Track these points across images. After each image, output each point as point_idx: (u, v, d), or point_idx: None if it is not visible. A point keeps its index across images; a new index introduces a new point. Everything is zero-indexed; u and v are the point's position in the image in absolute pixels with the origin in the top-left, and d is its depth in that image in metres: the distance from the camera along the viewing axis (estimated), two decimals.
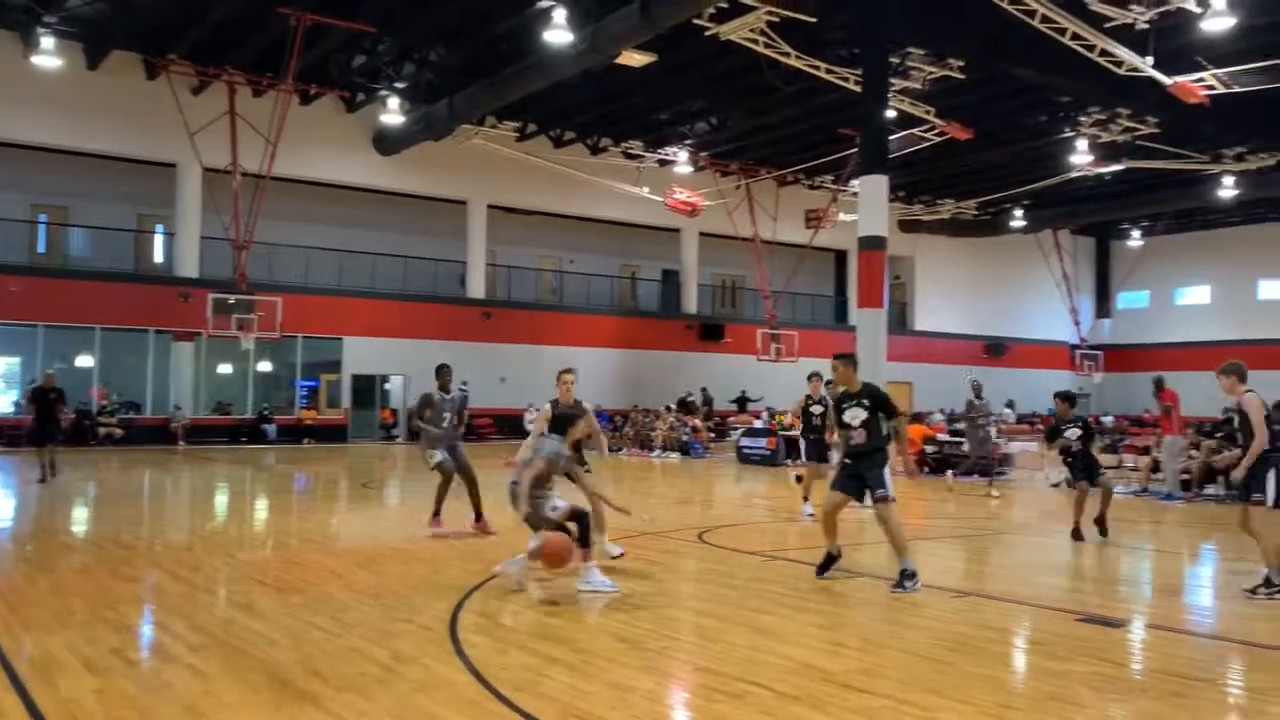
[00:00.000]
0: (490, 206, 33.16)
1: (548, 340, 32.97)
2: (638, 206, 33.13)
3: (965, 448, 18.05)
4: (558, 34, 20.66)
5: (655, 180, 32.48)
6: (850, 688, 5.21)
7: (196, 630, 6.27)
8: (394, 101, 27.57)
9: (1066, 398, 11.49)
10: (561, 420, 8.03)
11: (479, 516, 10.56)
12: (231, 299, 25.85)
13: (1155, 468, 16.71)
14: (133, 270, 28.48)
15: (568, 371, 8.77)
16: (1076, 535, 10.76)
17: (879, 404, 8.10)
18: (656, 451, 26.38)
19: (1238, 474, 8.01)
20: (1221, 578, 9.38)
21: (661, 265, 38.63)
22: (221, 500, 15.31)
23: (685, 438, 26.78)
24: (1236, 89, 22.26)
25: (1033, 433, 28.21)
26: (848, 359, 8.33)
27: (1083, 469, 11.10)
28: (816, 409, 12.87)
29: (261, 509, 14.36)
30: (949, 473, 17.64)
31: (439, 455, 10.49)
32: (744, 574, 8.59)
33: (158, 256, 30.07)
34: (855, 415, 8.07)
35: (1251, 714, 5.03)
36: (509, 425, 31.29)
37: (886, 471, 7.99)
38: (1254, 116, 26.40)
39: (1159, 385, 16.21)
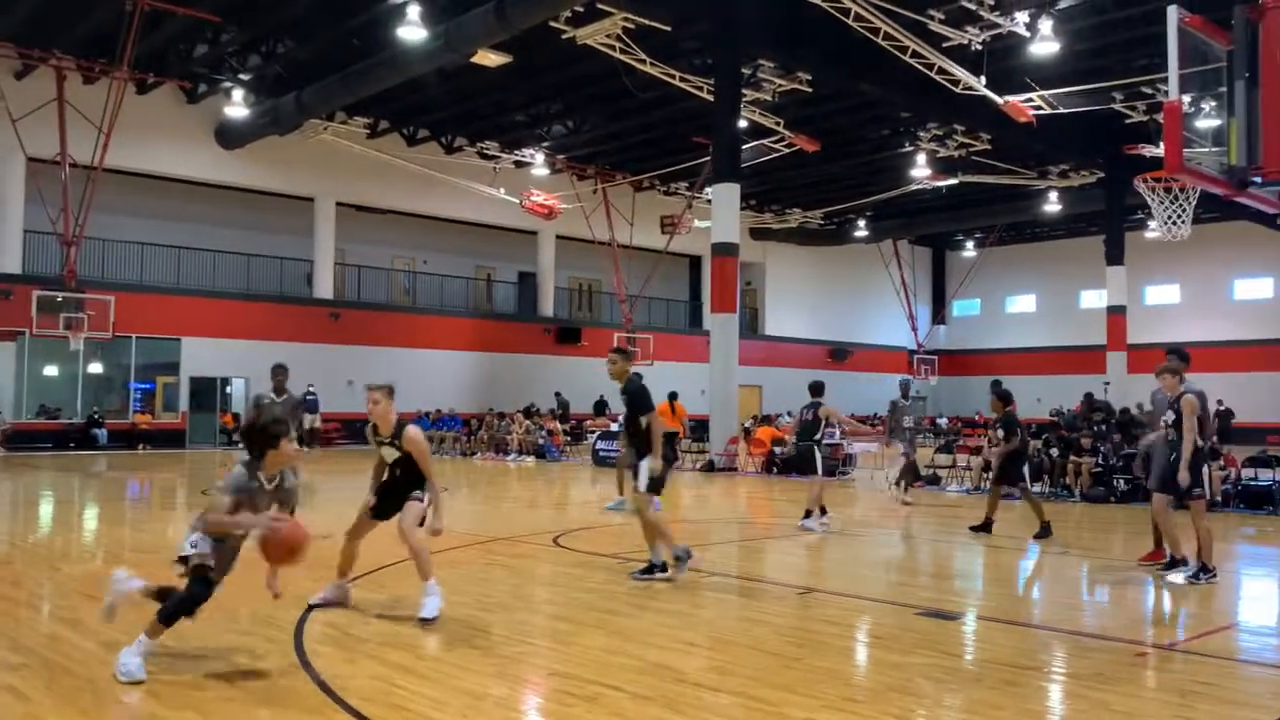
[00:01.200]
0: (339, 204, 32.28)
1: (399, 343, 32.33)
2: (494, 208, 32.86)
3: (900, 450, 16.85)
4: (412, 30, 20.32)
5: (512, 182, 32.29)
6: (702, 686, 5.30)
7: (17, 649, 5.89)
8: (238, 94, 26.56)
9: (999, 395, 11.79)
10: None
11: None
12: (59, 297, 24.41)
13: (987, 467, 17.58)
14: None
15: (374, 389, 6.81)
16: (985, 528, 11.41)
17: (633, 400, 8.18)
18: (512, 455, 26.21)
19: (1183, 475, 8.37)
20: (1049, 571, 9.94)
21: (518, 267, 38.42)
22: (46, 510, 14.40)
23: (541, 441, 26.69)
24: (1061, 110, 23.71)
25: (875, 434, 29.23)
26: (623, 353, 8.50)
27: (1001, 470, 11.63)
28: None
29: (91, 519, 13.57)
30: (895, 490, 16.24)
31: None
32: (598, 577, 8.62)
33: None
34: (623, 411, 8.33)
35: (1075, 698, 5.35)
36: (358, 431, 30.56)
37: (644, 464, 8.16)
38: (1076, 136, 28.19)
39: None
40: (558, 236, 36.57)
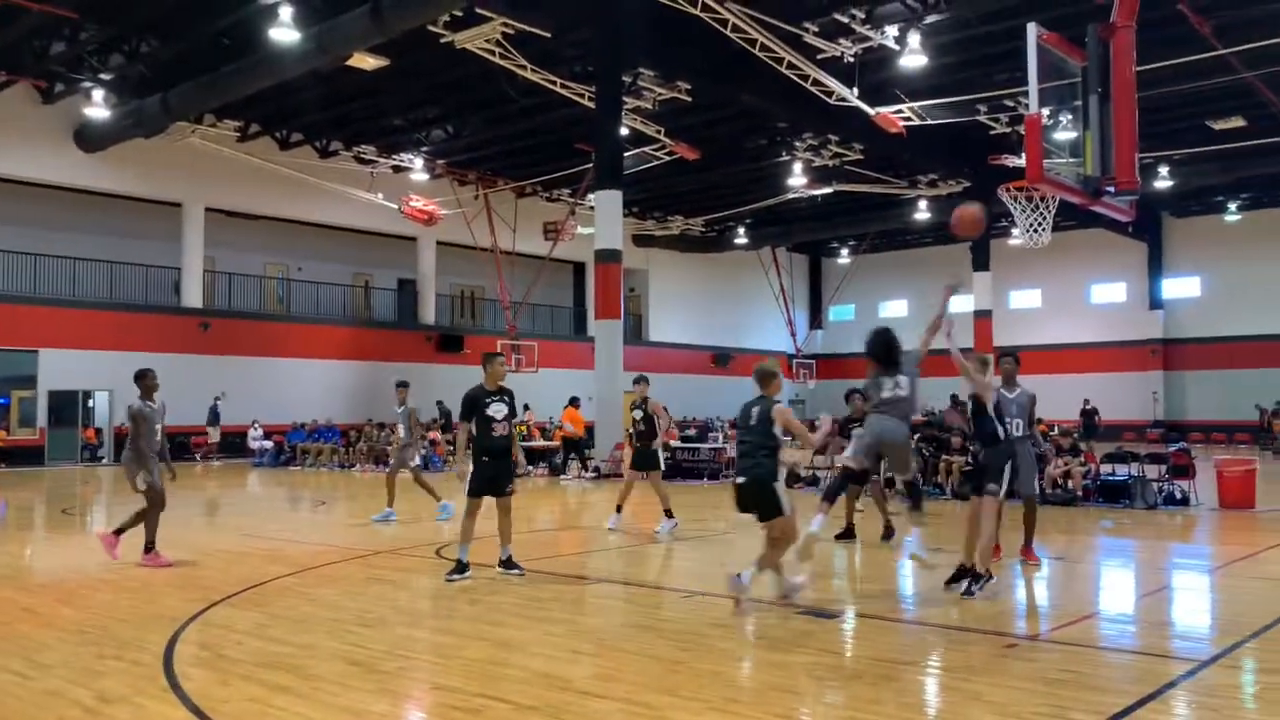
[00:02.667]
0: (209, 209, 31.16)
1: (274, 352, 31.39)
2: (372, 213, 32.21)
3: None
4: (284, 32, 19.76)
5: (390, 187, 31.70)
6: (587, 694, 5.29)
7: None
8: (99, 94, 25.35)
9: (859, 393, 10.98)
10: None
11: (150, 548, 9.69)
12: None
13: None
14: None
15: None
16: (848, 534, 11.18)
17: (513, 403, 9.12)
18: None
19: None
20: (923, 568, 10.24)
21: (397, 274, 37.73)
22: None
23: (423, 451, 26.18)
24: (929, 121, 24.56)
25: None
26: (497, 357, 9.26)
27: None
28: (638, 414, 12.51)
29: None
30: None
31: (152, 478, 9.65)
32: (483, 588, 8.52)
33: None
34: (499, 410, 8.87)
35: (949, 691, 5.53)
36: (231, 444, 29.56)
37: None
38: (944, 147, 29.23)
39: (849, 396, 17.50)
40: (438, 243, 36.07)
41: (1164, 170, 30.67)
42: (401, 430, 14.66)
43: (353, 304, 36.71)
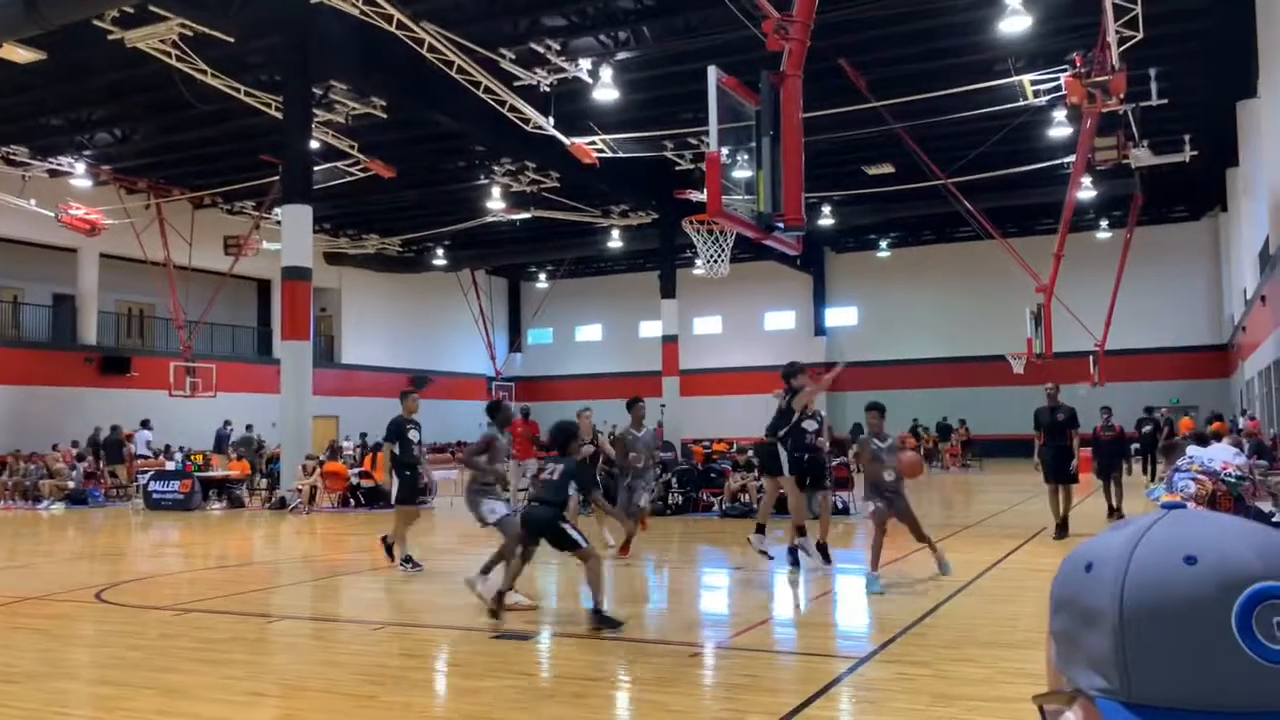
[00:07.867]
0: None
1: None
2: (21, 220, 28.89)
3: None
4: None
5: (46, 192, 28.62)
6: None
7: None
8: None
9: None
10: None
11: None
12: None
13: None
14: None
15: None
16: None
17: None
18: (45, 502, 23.07)
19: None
20: (617, 583, 10.54)
21: (51, 288, 34.05)
22: None
23: (71, 483, 23.73)
24: (621, 154, 25.50)
25: (453, 462, 29.42)
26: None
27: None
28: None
29: None
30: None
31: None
32: (151, 632, 7.85)
33: None
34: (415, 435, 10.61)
35: (639, 703, 5.72)
36: None
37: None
38: (635, 179, 30.46)
39: (524, 414, 19.80)
40: (102, 255, 32.93)
41: (826, 209, 33.63)
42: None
43: None
